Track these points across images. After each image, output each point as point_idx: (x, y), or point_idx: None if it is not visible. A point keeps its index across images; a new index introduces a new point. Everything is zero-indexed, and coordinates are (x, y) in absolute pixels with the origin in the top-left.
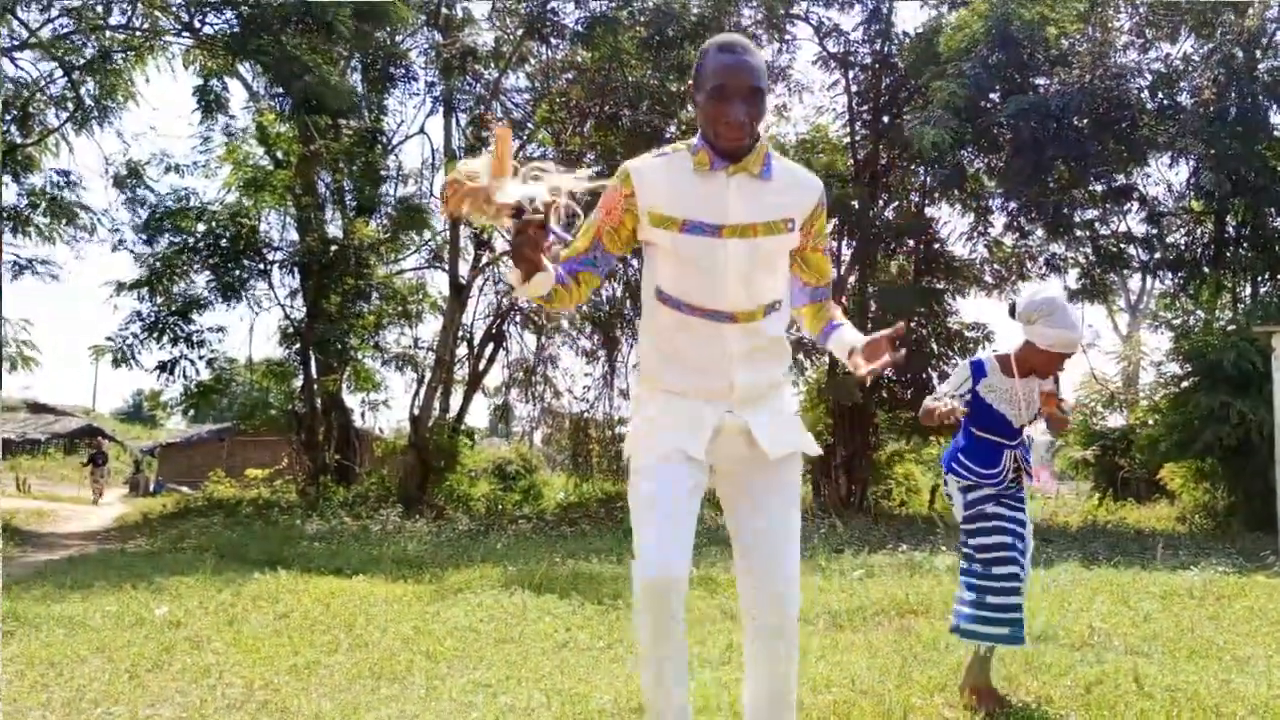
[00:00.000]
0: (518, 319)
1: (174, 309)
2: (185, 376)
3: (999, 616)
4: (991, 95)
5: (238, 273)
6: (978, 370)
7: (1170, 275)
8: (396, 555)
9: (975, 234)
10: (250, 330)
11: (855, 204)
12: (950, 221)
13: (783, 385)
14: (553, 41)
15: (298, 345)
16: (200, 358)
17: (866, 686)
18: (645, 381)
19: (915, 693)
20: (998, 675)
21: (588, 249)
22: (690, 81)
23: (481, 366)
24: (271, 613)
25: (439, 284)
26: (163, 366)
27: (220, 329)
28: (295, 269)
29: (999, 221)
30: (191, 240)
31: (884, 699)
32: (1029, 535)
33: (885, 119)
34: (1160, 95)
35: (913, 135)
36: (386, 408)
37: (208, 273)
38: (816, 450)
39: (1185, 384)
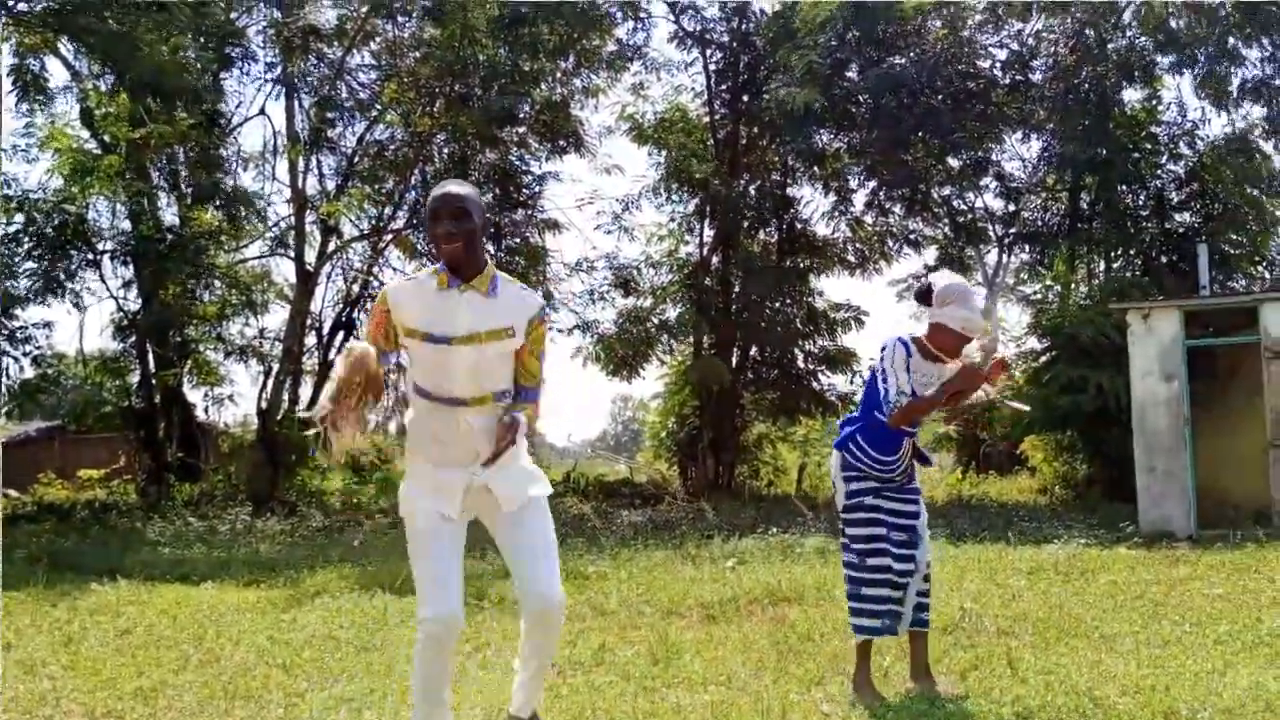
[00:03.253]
0: (368, 306)
1: None
2: (8, 375)
3: (874, 608)
4: (848, 74)
5: (65, 264)
6: (906, 348)
7: (1027, 250)
8: (248, 558)
9: (837, 213)
10: (80, 324)
11: (716, 183)
12: (812, 200)
13: (521, 453)
14: (399, 19)
15: (133, 338)
16: (25, 354)
17: (743, 683)
18: (410, 454)
19: (793, 688)
20: (875, 665)
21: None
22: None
23: (332, 355)
24: (112, 629)
25: (285, 271)
26: None
27: (47, 324)
28: (128, 259)
29: (860, 200)
30: (11, 230)
31: (761, 696)
32: (923, 526)
33: (745, 97)
34: (1013, 72)
35: (784, 99)
36: (232, 402)
37: (30, 264)
38: (548, 491)
39: (1044, 358)
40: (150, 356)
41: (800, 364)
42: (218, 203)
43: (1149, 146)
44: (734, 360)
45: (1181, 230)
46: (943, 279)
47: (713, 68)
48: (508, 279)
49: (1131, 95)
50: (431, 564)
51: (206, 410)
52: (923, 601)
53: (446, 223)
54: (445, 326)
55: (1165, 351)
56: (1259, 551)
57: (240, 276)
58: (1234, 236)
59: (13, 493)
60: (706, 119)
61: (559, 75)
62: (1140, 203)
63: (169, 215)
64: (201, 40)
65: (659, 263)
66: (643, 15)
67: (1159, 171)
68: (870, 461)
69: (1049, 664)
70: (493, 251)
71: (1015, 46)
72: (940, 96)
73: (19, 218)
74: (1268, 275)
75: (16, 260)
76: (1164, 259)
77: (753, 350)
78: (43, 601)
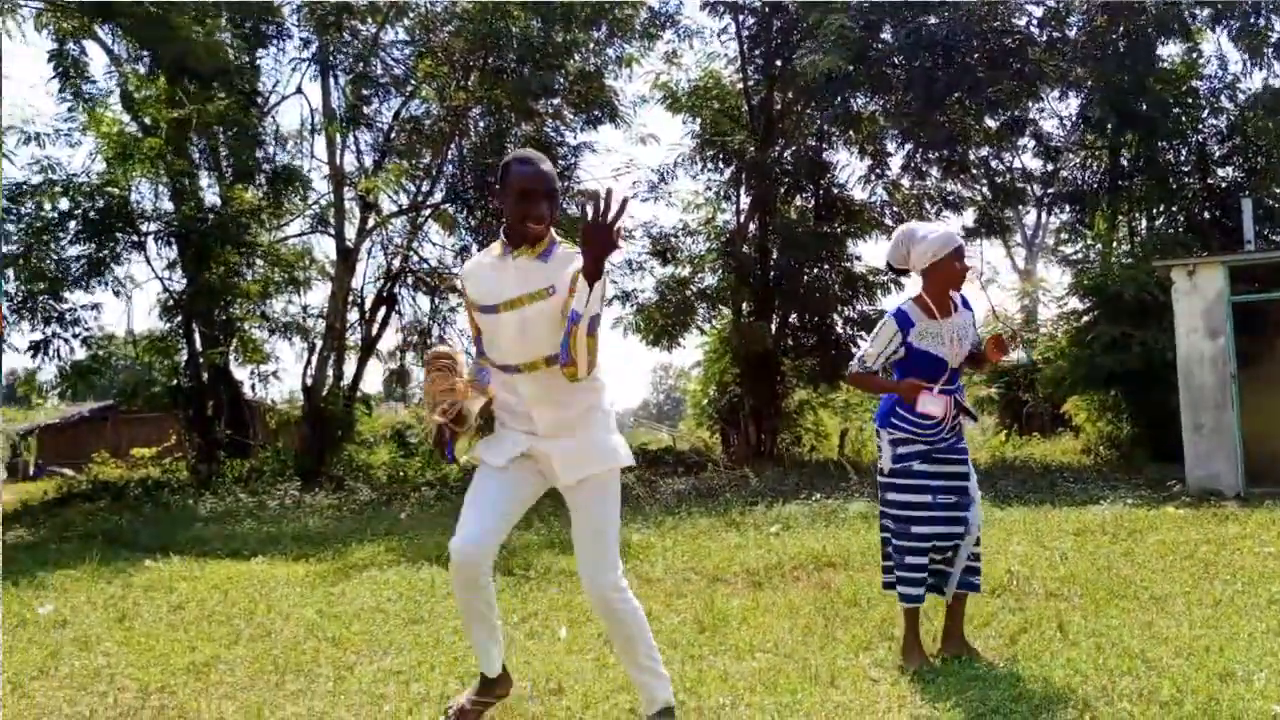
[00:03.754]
0: (409, 281)
1: (43, 287)
2: (60, 357)
3: (918, 576)
4: (883, 35)
5: (111, 245)
6: (903, 321)
7: (1067, 209)
8: (297, 533)
9: (873, 176)
10: (128, 304)
11: (751, 150)
12: (849, 165)
13: (591, 415)
14: None
15: (180, 318)
16: (75, 335)
17: (790, 650)
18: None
19: (840, 654)
20: (924, 631)
21: (477, 335)
22: (496, 184)
23: (374, 331)
24: (165, 604)
25: (326, 249)
26: (35, 347)
27: (95, 306)
28: (172, 240)
29: (896, 163)
30: (58, 215)
31: (809, 663)
32: (973, 488)
33: (778, 62)
34: (1050, 28)
35: (806, 68)
36: (277, 379)
37: (78, 247)
38: (624, 463)
39: (1086, 318)
40: (197, 335)
41: (839, 329)
42: (258, 182)
43: (1189, 101)
44: (773, 327)
45: (1224, 185)
46: (888, 245)
47: (745, 33)
48: (565, 242)
49: (1170, 50)
50: (471, 502)
51: (253, 387)
52: (973, 565)
53: (542, 204)
54: (494, 295)
55: (1210, 308)
56: None
57: (282, 254)
58: (1278, 190)
59: (68, 471)
60: (740, 86)
61: (592, 46)
62: (1181, 158)
63: (210, 195)
64: (236, 19)
65: (696, 231)
66: None
67: (1200, 126)
68: (915, 425)
69: (1099, 626)
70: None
71: (1051, 2)
72: (976, 55)
73: (64, 202)
74: None
75: (63, 243)
76: (1207, 215)
77: (791, 317)
78: (98, 579)
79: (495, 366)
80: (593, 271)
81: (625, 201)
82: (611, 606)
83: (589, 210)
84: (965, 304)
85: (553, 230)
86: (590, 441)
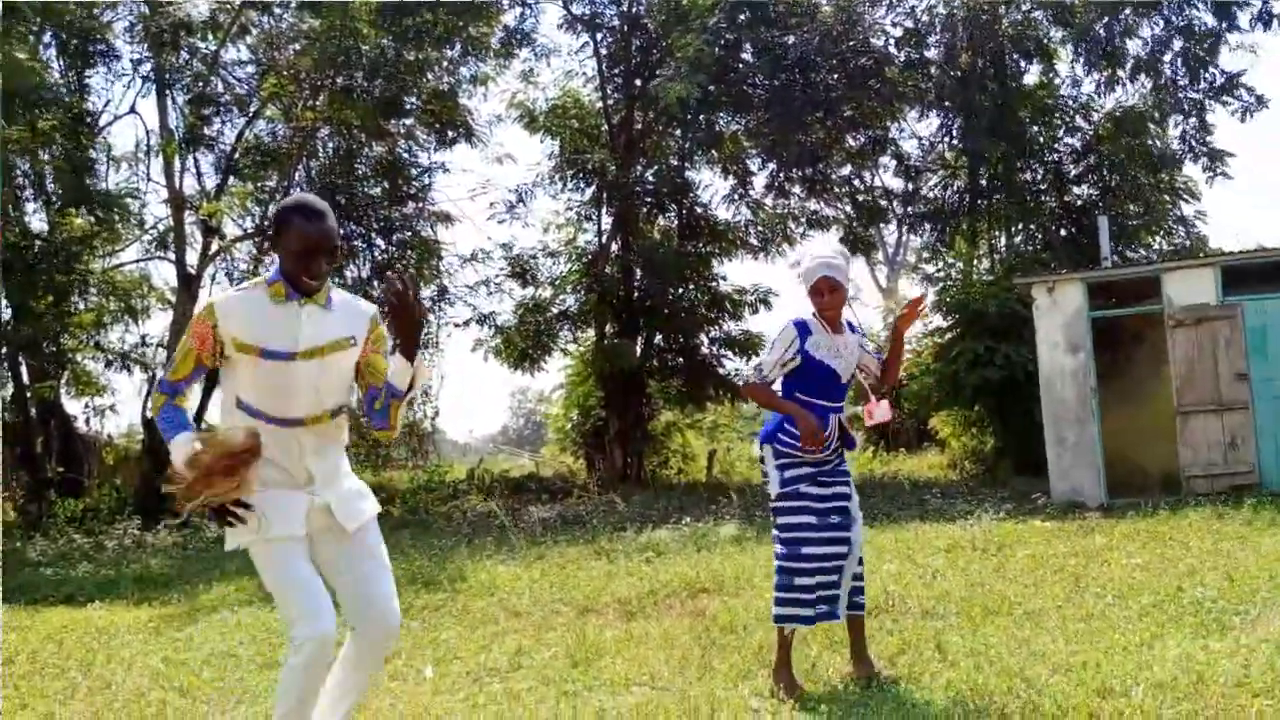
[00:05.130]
0: None
1: None
2: None
3: (805, 598)
4: (743, 55)
5: None
6: (802, 329)
7: (928, 227)
8: (138, 574)
9: (736, 196)
10: None
11: (612, 169)
12: (711, 185)
13: (344, 456)
14: (276, 10)
15: (3, 350)
16: None
17: (667, 681)
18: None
19: (719, 684)
20: (802, 656)
21: (191, 372)
22: (271, 230)
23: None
24: None
25: (166, 275)
26: None
27: None
28: None
29: (759, 182)
30: None
31: (687, 695)
32: (855, 508)
33: (638, 81)
34: (908, 49)
35: (660, 92)
36: (114, 412)
37: None
38: (378, 509)
39: (949, 334)
40: (24, 368)
41: (705, 349)
42: (90, 206)
43: (1045, 120)
44: (638, 348)
45: (1080, 203)
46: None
47: (604, 52)
48: (338, 290)
49: (1029, 74)
50: (299, 584)
51: (88, 421)
52: (858, 585)
53: (323, 261)
54: (285, 341)
55: (1070, 323)
56: (1171, 518)
57: (118, 282)
58: (1132, 208)
59: None
60: (600, 105)
61: (445, 64)
62: (1039, 177)
63: (37, 221)
64: (62, 38)
65: (557, 252)
66: (530, 1)
67: (1056, 145)
68: (799, 445)
69: (977, 644)
70: (383, 246)
71: (909, 24)
72: (835, 75)
73: None
74: (1165, 245)
75: None
76: (1064, 232)
77: (657, 338)
78: None
79: (263, 418)
80: (410, 351)
81: (417, 280)
82: (389, 648)
83: (391, 295)
84: (852, 327)
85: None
86: (356, 485)
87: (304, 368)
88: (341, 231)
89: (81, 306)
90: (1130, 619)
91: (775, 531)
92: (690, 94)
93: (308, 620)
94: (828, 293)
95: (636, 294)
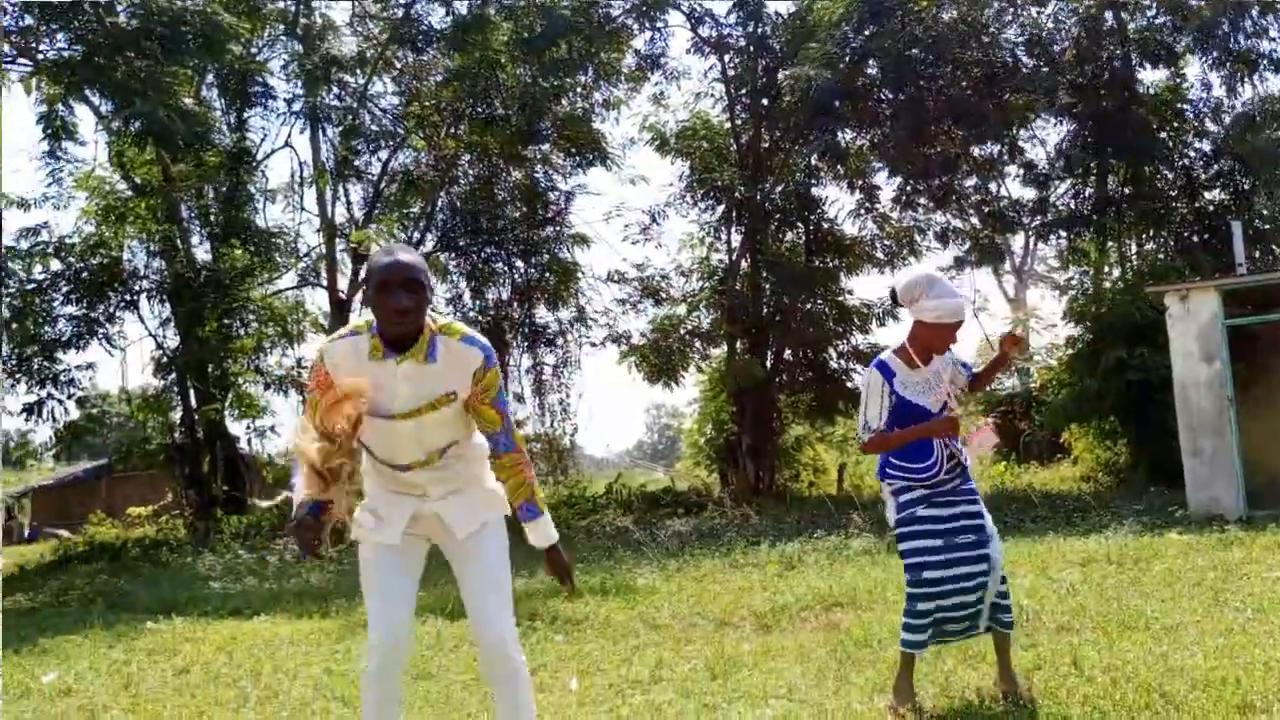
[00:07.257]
0: None
1: (36, 349)
2: (54, 418)
3: (919, 623)
4: (868, 69)
5: (104, 306)
6: (886, 372)
7: (1058, 236)
8: (299, 589)
9: (863, 210)
10: (122, 363)
11: (740, 188)
12: (838, 200)
13: (479, 477)
14: (420, 46)
15: (173, 375)
16: (69, 396)
17: (805, 695)
18: (365, 478)
19: (855, 697)
20: (939, 670)
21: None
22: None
23: None
24: (169, 668)
25: (319, 301)
26: (29, 410)
27: (89, 365)
28: (164, 297)
29: (886, 196)
30: (49, 277)
31: (824, 708)
32: (988, 524)
33: (764, 100)
34: (1034, 57)
35: (797, 79)
36: (274, 433)
37: (70, 308)
38: (506, 511)
39: (1080, 344)
40: (191, 392)
41: (834, 363)
42: (245, 238)
43: (1175, 125)
44: (768, 363)
45: (1213, 208)
46: (905, 276)
47: (731, 73)
48: (446, 336)
49: (1155, 75)
50: (378, 590)
51: (250, 442)
52: (1002, 603)
53: (401, 295)
54: (384, 402)
55: (1204, 332)
56: None
57: (275, 309)
58: (1265, 212)
59: (64, 533)
60: (728, 125)
61: (579, 90)
62: (1170, 182)
63: (201, 253)
64: (224, 77)
65: (689, 270)
66: (659, 26)
67: (1187, 150)
68: (909, 473)
69: (1113, 660)
70: (523, 268)
71: (1034, 31)
72: (961, 85)
73: (55, 264)
74: None
75: (55, 305)
76: (1196, 238)
77: (786, 353)
78: (100, 644)
79: (378, 459)
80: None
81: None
82: (512, 666)
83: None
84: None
85: (428, 319)
86: (479, 491)
87: (404, 425)
88: (483, 255)
89: (242, 333)
90: (1271, 634)
91: (900, 556)
92: (823, 79)
93: (376, 627)
94: (950, 336)
95: (766, 309)
